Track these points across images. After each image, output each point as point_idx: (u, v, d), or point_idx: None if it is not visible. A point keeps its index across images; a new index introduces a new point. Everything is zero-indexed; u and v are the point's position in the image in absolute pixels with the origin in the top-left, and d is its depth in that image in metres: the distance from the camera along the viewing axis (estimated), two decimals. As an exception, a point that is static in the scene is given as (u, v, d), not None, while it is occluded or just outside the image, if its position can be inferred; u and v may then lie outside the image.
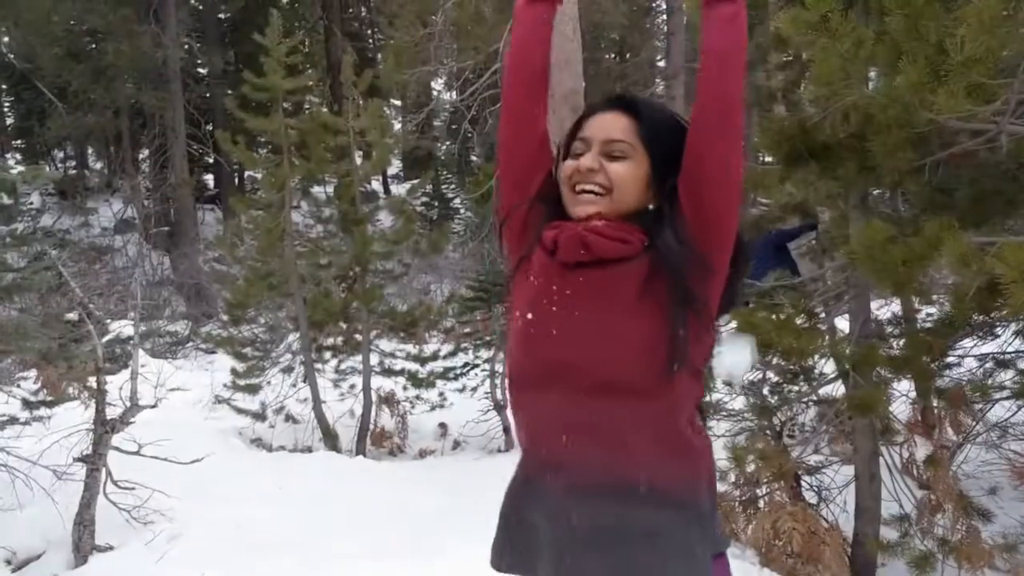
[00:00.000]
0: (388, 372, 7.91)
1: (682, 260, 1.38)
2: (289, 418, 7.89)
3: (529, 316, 1.46)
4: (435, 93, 22.25)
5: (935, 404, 5.57)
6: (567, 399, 1.40)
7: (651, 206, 1.45)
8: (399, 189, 21.79)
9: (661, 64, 19.64)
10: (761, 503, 4.55)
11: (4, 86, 20.10)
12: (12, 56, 17.63)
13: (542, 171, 1.55)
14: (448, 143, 21.88)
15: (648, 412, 1.39)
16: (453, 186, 21.02)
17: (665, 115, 1.50)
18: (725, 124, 1.39)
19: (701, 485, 1.45)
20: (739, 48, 1.40)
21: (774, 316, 4.08)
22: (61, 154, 22.11)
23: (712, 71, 1.40)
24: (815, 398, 4.78)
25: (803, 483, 4.70)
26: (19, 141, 21.41)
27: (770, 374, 4.96)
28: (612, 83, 20.72)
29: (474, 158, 20.99)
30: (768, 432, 4.71)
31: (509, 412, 1.52)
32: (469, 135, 19.17)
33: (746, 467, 4.37)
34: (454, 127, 21.37)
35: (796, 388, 4.80)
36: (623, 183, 1.42)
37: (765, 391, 4.88)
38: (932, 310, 5.34)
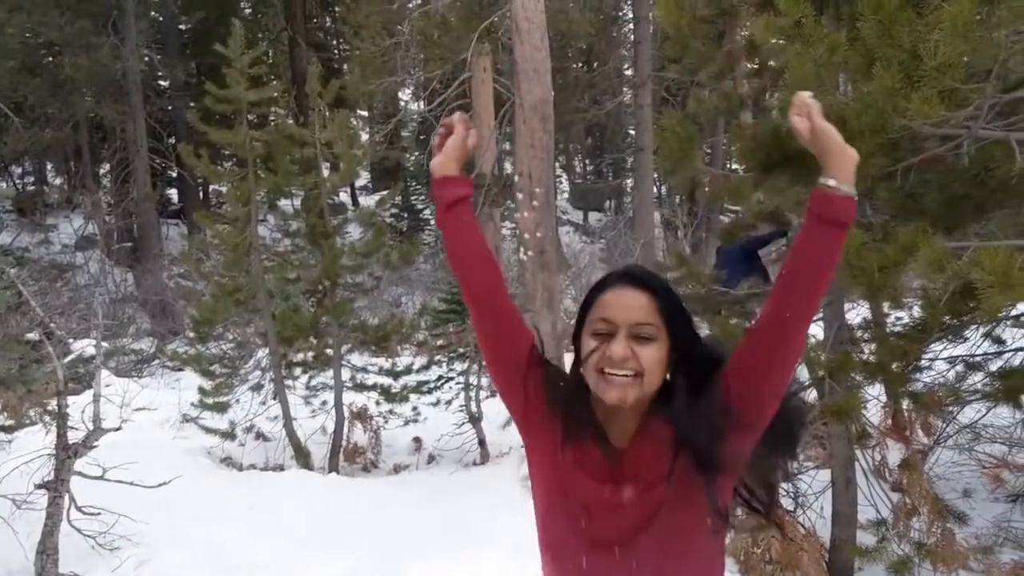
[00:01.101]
0: (360, 387, 7.81)
1: (698, 427, 1.44)
2: (259, 436, 7.76)
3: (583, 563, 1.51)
4: (402, 104, 22.18)
5: (906, 408, 5.60)
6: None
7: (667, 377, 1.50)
8: (368, 201, 21.84)
9: (628, 73, 19.66)
10: (739, 511, 4.53)
11: None
12: None
13: (526, 342, 1.61)
14: (417, 154, 21.80)
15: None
16: (423, 197, 20.93)
17: (673, 290, 1.55)
18: (798, 331, 1.46)
19: None
20: (831, 271, 1.45)
21: (748, 323, 4.07)
22: (19, 170, 21.65)
23: (802, 282, 1.44)
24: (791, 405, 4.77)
25: (780, 489, 4.69)
26: None
27: None
28: (580, 92, 20.81)
29: None
30: None
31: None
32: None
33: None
34: (422, 137, 21.30)
35: None
36: (653, 367, 1.45)
37: None
38: (902, 314, 5.38)
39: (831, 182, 1.42)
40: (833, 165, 1.43)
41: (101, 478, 4.55)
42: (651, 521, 1.44)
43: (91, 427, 4.52)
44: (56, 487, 4.33)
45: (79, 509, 4.50)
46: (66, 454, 4.37)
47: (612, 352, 1.44)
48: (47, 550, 4.30)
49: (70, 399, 4.74)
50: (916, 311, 4.22)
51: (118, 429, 4.74)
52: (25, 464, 4.74)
